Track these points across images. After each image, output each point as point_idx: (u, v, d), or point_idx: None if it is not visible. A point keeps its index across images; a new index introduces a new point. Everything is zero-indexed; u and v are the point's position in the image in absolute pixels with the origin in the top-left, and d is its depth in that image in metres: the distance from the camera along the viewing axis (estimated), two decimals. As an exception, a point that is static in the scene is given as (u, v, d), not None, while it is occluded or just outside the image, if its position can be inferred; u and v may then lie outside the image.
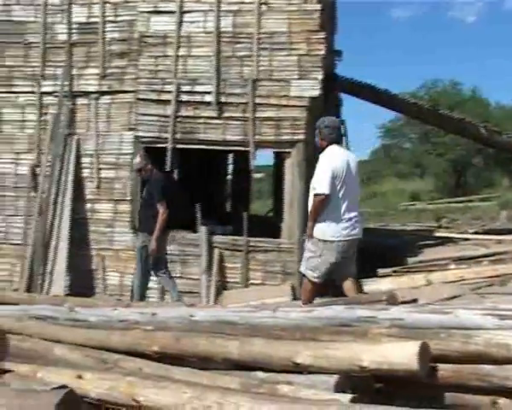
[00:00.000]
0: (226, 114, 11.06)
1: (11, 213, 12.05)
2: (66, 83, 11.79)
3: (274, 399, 3.12)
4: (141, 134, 11.38)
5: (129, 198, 11.42)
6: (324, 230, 7.25)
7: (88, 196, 11.71)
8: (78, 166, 11.67)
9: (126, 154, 11.44)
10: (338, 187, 7.23)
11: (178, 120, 11.20)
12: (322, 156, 7.46)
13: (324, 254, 7.27)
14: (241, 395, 3.18)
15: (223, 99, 11.07)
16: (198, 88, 11.19)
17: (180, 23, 11.28)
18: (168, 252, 10.32)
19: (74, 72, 11.84)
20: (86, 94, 11.81)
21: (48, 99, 11.95)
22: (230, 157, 18.19)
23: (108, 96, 11.72)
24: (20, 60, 12.07)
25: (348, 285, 7.40)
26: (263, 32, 10.96)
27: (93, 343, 4.58)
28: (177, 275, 10.99)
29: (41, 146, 11.89)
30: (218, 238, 11.11)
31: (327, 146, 7.46)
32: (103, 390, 3.59)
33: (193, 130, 11.19)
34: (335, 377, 3.43)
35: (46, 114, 11.93)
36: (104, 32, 11.69)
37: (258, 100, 10.93)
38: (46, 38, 11.94)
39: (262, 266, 10.88)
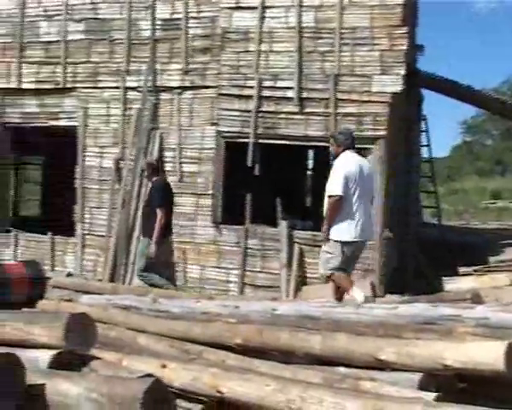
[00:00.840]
0: (308, 110, 11.06)
1: (96, 206, 12.37)
2: (150, 78, 12.02)
3: (357, 394, 3.10)
4: (223, 129, 11.50)
5: (211, 192, 11.55)
6: (341, 231, 7.50)
7: (170, 190, 11.89)
8: (161, 159, 11.87)
9: (208, 148, 11.57)
10: (352, 190, 7.49)
11: (260, 115, 11.27)
12: (336, 161, 7.69)
13: (342, 254, 7.52)
14: (324, 390, 3.17)
15: (304, 94, 11.08)
16: (280, 83, 11.23)
17: (262, 18, 11.34)
18: (248, 246, 10.31)
19: (158, 67, 12.06)
20: (169, 89, 12.01)
21: (132, 94, 12.20)
22: (311, 152, 18.15)
23: (191, 92, 11.87)
24: (105, 56, 12.37)
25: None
26: (345, 27, 10.92)
27: (176, 334, 4.65)
28: (258, 269, 11.07)
29: (125, 140, 12.15)
30: (298, 233, 11.13)
31: (342, 151, 7.68)
32: (187, 381, 3.63)
33: (274, 125, 11.24)
34: (420, 374, 3.39)
35: (130, 108, 12.20)
36: (187, 28, 11.85)
37: (339, 95, 10.89)
38: (131, 35, 12.20)
39: (341, 262, 10.82)
